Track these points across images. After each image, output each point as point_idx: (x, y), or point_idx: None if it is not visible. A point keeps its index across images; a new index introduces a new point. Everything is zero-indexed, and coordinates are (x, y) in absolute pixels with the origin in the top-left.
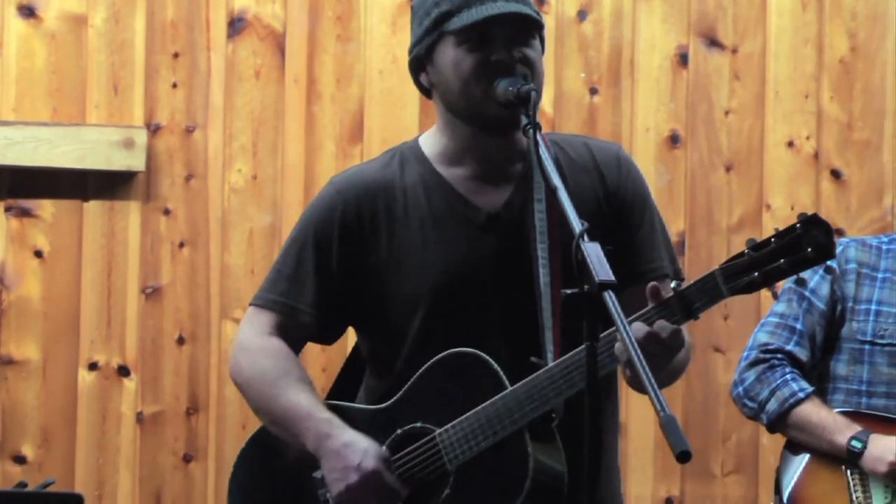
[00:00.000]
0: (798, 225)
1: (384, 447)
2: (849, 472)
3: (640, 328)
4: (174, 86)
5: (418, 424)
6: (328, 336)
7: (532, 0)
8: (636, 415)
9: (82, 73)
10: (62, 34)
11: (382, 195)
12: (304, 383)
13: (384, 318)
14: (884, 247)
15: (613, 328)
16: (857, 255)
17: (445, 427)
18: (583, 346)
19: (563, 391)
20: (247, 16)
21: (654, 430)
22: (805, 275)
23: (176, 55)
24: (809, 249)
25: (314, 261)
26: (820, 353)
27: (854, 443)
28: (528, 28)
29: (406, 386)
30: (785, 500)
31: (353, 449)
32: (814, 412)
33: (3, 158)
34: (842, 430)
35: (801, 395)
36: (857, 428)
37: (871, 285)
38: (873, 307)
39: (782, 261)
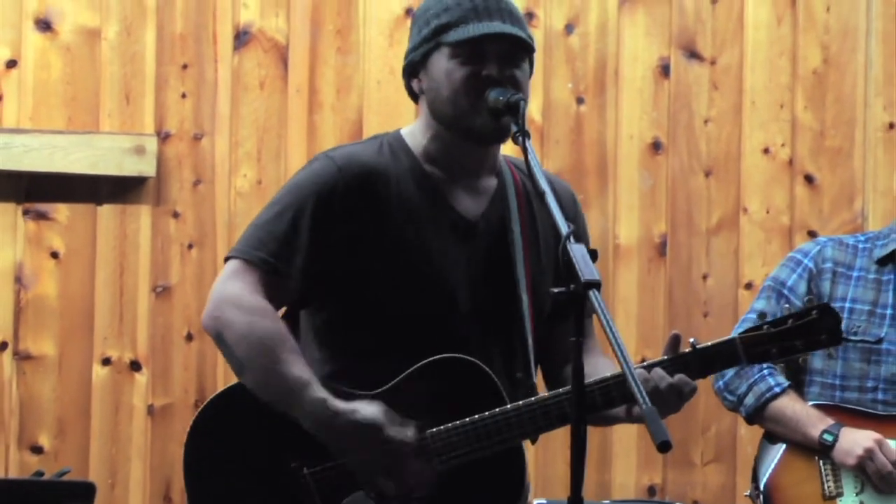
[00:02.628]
0: (814, 311)
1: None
2: (821, 462)
3: (661, 377)
4: (183, 96)
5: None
6: (300, 302)
7: (524, 19)
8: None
9: (96, 83)
10: (77, 47)
11: (379, 180)
12: (298, 354)
13: (362, 298)
14: (860, 245)
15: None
16: (833, 254)
17: (438, 429)
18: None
19: (555, 422)
20: (252, 29)
21: (633, 425)
22: (782, 274)
23: (184, 66)
24: (823, 336)
25: (310, 230)
26: None
27: (826, 436)
28: (520, 50)
29: (397, 379)
30: (761, 487)
31: (362, 415)
32: (788, 406)
33: (21, 164)
34: (814, 424)
35: (776, 389)
36: (829, 421)
37: (845, 284)
38: (847, 305)
39: (797, 342)
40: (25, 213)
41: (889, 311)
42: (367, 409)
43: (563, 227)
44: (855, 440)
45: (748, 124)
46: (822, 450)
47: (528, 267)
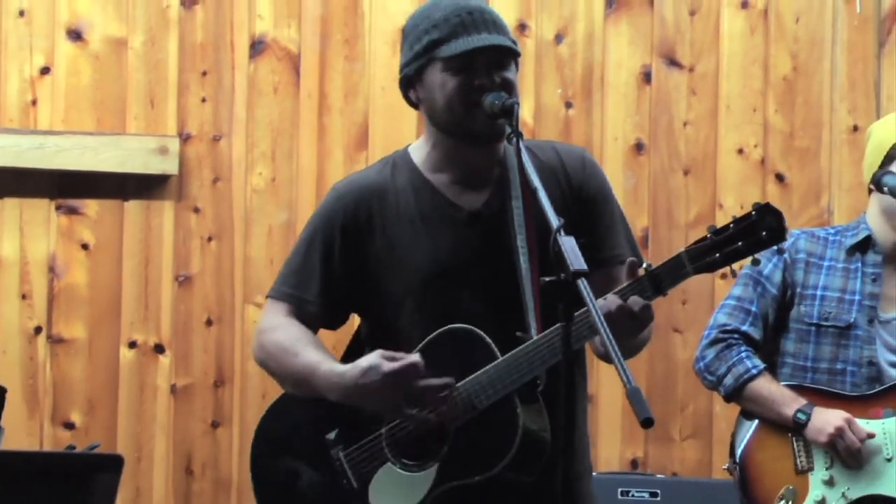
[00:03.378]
0: (753, 212)
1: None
2: (794, 439)
3: (614, 301)
4: (203, 100)
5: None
6: (332, 322)
7: (510, 29)
8: (605, 387)
9: (122, 88)
10: (105, 55)
11: (377, 197)
12: (314, 345)
13: (381, 304)
14: (829, 238)
15: (582, 311)
16: (806, 245)
17: (462, 382)
18: (560, 324)
19: (547, 360)
20: (266, 39)
21: (621, 401)
22: (761, 263)
23: (204, 73)
24: (764, 233)
25: (320, 258)
26: (772, 333)
27: (799, 415)
28: (506, 56)
29: (415, 350)
30: (738, 461)
31: (360, 367)
32: (765, 387)
33: (54, 163)
34: (789, 404)
35: (753, 371)
36: (802, 401)
37: (817, 273)
38: (819, 293)
39: (740, 243)
40: (58, 208)
41: (857, 298)
42: (364, 359)
43: (554, 222)
44: (826, 419)
45: (723, 127)
46: (795, 428)
47: (531, 241)
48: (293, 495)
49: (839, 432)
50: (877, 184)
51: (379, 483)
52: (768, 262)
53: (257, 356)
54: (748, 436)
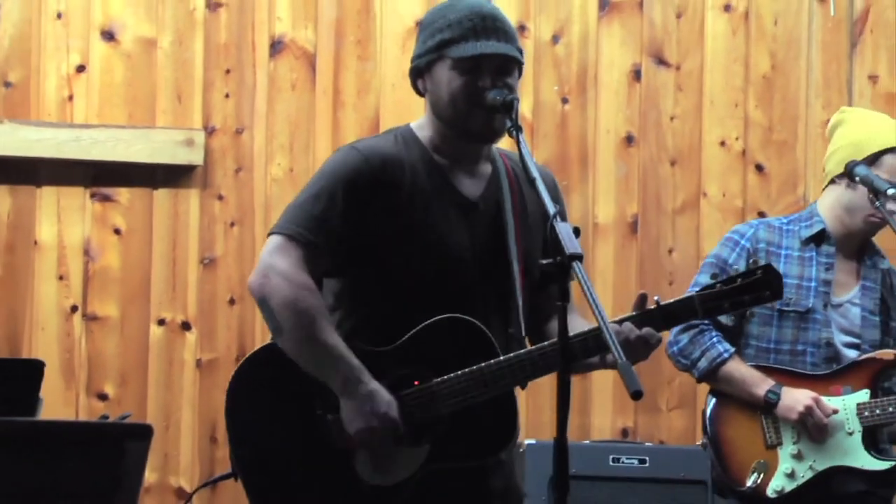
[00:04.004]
0: (759, 271)
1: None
2: (763, 417)
3: (633, 330)
4: (226, 96)
5: (408, 371)
6: (327, 272)
7: (517, 36)
8: None
9: (152, 85)
10: (136, 54)
11: (398, 167)
12: (334, 326)
13: (379, 266)
14: (784, 227)
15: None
16: (765, 235)
17: (441, 378)
18: (555, 340)
19: (541, 371)
20: (285, 39)
21: (612, 375)
22: (724, 253)
23: (228, 71)
24: (767, 292)
25: (342, 211)
26: (738, 318)
27: (770, 395)
28: (511, 62)
29: (408, 335)
30: (709, 437)
31: (379, 398)
32: (736, 369)
33: (89, 155)
34: (759, 384)
35: (725, 355)
36: (771, 382)
37: (776, 261)
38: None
39: (745, 297)
40: (92, 196)
41: (813, 284)
42: (384, 396)
43: (551, 208)
44: (796, 398)
45: (707, 121)
46: (766, 407)
47: (518, 240)
48: (272, 448)
49: (808, 410)
50: (849, 173)
51: (365, 451)
52: (732, 252)
53: (267, 296)
54: (718, 415)
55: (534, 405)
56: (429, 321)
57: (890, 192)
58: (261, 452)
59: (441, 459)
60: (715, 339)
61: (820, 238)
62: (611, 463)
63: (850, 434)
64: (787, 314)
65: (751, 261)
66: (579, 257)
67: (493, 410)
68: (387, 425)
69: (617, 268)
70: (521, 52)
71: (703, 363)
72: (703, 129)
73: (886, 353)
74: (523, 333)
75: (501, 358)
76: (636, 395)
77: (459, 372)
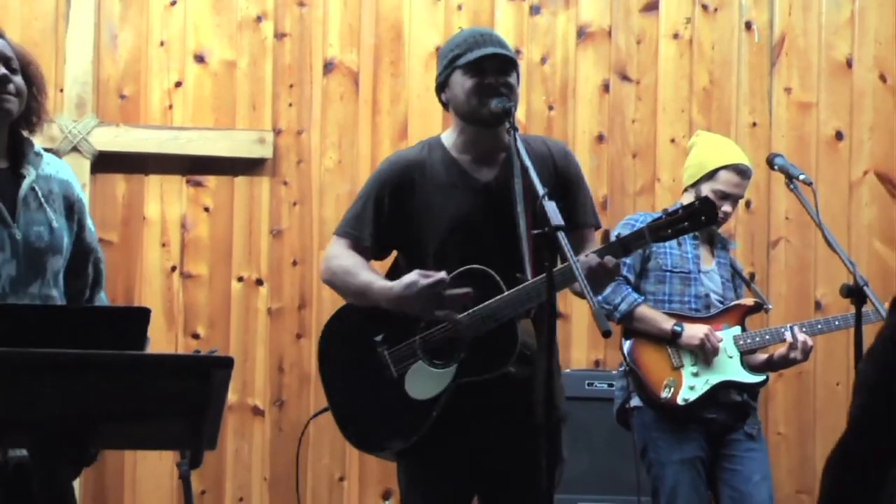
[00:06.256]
0: (697, 202)
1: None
2: (668, 347)
3: (594, 258)
4: (290, 105)
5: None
6: (378, 255)
7: (510, 47)
8: (576, 308)
9: (233, 97)
10: (221, 72)
11: (418, 169)
12: (368, 268)
13: (415, 246)
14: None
15: (566, 264)
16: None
17: (463, 315)
18: (539, 276)
19: (536, 299)
20: (335, 61)
21: (587, 318)
22: (624, 232)
23: (291, 86)
24: (703, 217)
25: (373, 209)
26: (637, 278)
27: (676, 327)
28: (508, 64)
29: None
30: (630, 367)
31: (404, 280)
32: (648, 311)
33: (185, 150)
34: (666, 321)
35: (640, 300)
36: (673, 320)
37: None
38: (667, 250)
39: (686, 223)
40: (187, 182)
41: (689, 255)
42: (406, 276)
43: (540, 190)
44: (695, 330)
45: (661, 123)
46: (671, 337)
47: (527, 208)
48: (349, 379)
49: (706, 337)
50: (769, 163)
51: (413, 374)
52: (630, 231)
53: (324, 276)
54: (630, 348)
55: None
56: (457, 270)
57: (801, 177)
58: (341, 384)
59: (465, 374)
60: (630, 289)
61: None
62: (586, 387)
63: (731, 357)
64: (675, 274)
65: None
66: (562, 228)
67: (499, 336)
68: (420, 279)
69: None
70: (514, 55)
71: (623, 306)
72: (657, 130)
73: (747, 301)
74: (528, 277)
75: (504, 294)
76: (606, 334)
77: (474, 308)
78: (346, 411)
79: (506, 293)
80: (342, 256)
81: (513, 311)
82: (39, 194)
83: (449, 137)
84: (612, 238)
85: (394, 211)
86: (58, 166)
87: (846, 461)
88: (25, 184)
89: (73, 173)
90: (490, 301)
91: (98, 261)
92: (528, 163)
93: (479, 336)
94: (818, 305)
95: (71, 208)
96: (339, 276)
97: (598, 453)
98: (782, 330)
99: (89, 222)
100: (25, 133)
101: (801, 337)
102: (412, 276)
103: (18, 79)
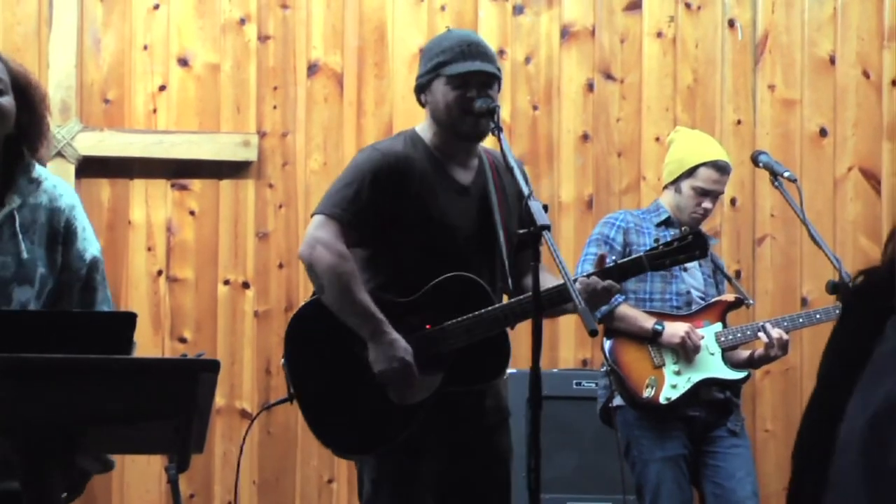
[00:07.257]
0: (691, 236)
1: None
2: (649, 345)
3: (596, 282)
4: (274, 107)
5: (422, 317)
6: (358, 244)
7: (497, 58)
8: None
9: (217, 100)
10: (205, 76)
11: (408, 163)
12: (364, 287)
13: (398, 240)
14: (640, 215)
15: (557, 285)
16: (631, 218)
17: (449, 322)
18: (529, 294)
19: (522, 316)
20: (319, 63)
21: (574, 318)
22: (605, 230)
23: (275, 88)
24: (697, 252)
25: (368, 196)
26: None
27: (657, 326)
28: (492, 79)
29: (422, 290)
30: (611, 367)
31: (398, 346)
32: (629, 310)
33: (170, 154)
34: (647, 319)
35: (620, 299)
36: (654, 318)
37: (641, 236)
38: (644, 248)
39: (681, 256)
40: (172, 185)
41: None
42: (402, 344)
43: (526, 190)
44: (676, 328)
45: (645, 122)
46: (653, 336)
47: (502, 215)
48: (323, 379)
49: (687, 335)
50: (754, 160)
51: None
52: (612, 229)
53: (315, 263)
54: (611, 348)
55: (515, 340)
56: (439, 278)
57: (786, 174)
58: (313, 383)
59: (452, 384)
60: None
61: (668, 223)
62: (574, 386)
63: (713, 354)
64: (655, 272)
65: (625, 235)
66: (548, 227)
67: (490, 346)
68: (404, 367)
69: (577, 237)
70: (499, 70)
71: (604, 307)
72: (641, 129)
73: (728, 297)
74: (511, 287)
75: (494, 306)
76: (592, 333)
77: (462, 317)
78: (320, 411)
79: (494, 307)
80: (343, 255)
81: (500, 327)
82: (17, 223)
83: (426, 133)
84: (608, 262)
85: (385, 203)
86: (53, 196)
87: (808, 408)
88: (3, 213)
89: (76, 199)
90: (477, 313)
91: (92, 290)
92: (513, 163)
93: (473, 344)
94: (804, 302)
95: (54, 238)
96: (341, 277)
97: (585, 452)
98: (758, 327)
99: (82, 246)
100: (27, 155)
101: (774, 334)
102: (411, 357)
103: (5, 99)
